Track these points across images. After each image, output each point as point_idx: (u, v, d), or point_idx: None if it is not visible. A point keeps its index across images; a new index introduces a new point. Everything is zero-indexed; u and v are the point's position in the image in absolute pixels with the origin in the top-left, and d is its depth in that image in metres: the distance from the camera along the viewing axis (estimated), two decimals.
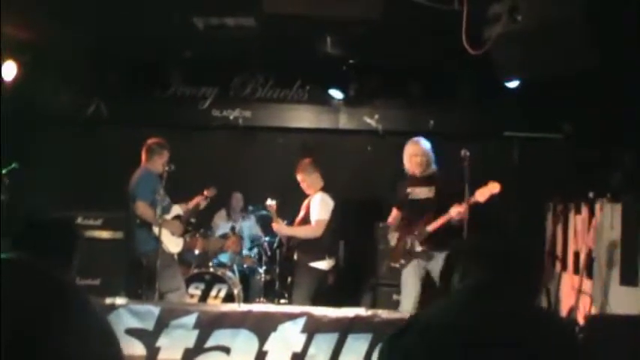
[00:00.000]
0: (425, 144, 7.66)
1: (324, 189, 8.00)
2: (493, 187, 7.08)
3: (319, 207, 7.86)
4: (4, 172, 8.69)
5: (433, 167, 7.63)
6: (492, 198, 7.11)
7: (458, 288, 2.88)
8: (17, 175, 8.75)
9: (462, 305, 2.78)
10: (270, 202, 8.28)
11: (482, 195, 7.09)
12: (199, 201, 8.48)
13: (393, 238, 7.73)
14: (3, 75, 9.18)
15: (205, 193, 8.74)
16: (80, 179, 10.32)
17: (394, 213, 7.84)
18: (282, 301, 9.18)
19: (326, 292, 7.96)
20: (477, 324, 2.66)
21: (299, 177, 8.07)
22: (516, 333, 2.65)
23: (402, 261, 7.54)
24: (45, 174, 9.99)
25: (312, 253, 7.81)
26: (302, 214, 8.04)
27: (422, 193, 7.55)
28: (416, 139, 7.73)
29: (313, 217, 7.83)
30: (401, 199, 7.74)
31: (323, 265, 7.82)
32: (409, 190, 7.63)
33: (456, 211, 7.13)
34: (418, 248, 7.44)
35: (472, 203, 7.12)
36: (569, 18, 5.60)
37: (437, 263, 7.33)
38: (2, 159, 8.66)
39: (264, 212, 9.40)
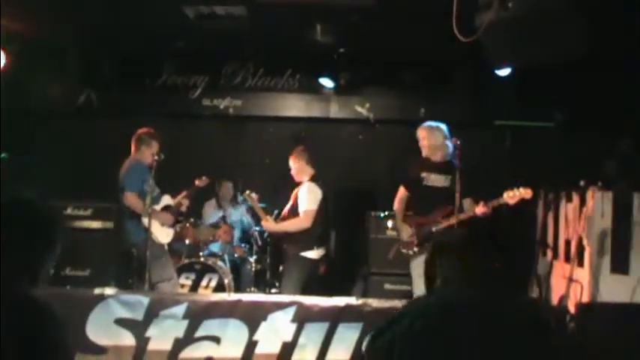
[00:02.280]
0: (432, 130, 7.48)
1: (314, 178, 7.95)
2: (525, 192, 6.93)
3: (307, 197, 7.81)
4: None
5: (449, 155, 7.40)
6: (521, 202, 7.03)
7: (439, 285, 2.90)
8: (7, 165, 8.71)
9: (442, 303, 2.79)
10: (250, 193, 8.27)
11: (511, 198, 6.95)
12: (180, 200, 8.42)
13: (402, 226, 7.53)
14: None
15: (197, 183, 8.72)
16: (71, 169, 10.27)
17: (401, 192, 7.64)
18: (273, 290, 9.17)
19: (317, 281, 7.93)
20: (459, 321, 2.67)
21: (290, 163, 8.02)
22: (499, 329, 2.65)
23: (416, 249, 7.38)
24: (35, 164, 9.94)
25: (301, 242, 7.77)
26: (291, 203, 7.99)
27: (437, 180, 7.36)
28: (426, 124, 7.58)
29: (301, 208, 7.78)
30: (412, 181, 7.54)
31: (312, 254, 7.78)
32: (424, 174, 7.41)
33: (480, 211, 6.99)
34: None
35: (499, 204, 7.01)
36: (561, 4, 5.57)
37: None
38: None
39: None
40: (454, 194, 7.01)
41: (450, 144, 7.39)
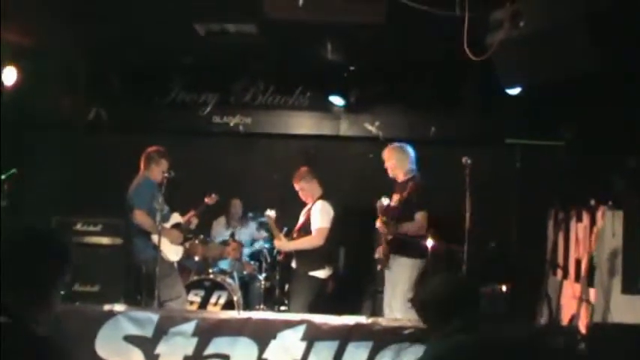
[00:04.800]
0: (393, 151, 7.75)
1: (324, 196, 7.94)
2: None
3: (320, 216, 7.80)
4: (3, 177, 8.66)
5: (407, 174, 7.64)
6: None
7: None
8: (17, 180, 8.72)
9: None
10: (269, 213, 8.25)
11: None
12: (190, 218, 8.43)
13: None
14: (3, 80, 9.16)
15: (207, 200, 8.72)
16: (80, 185, 10.29)
17: None
18: (282, 308, 9.13)
19: (325, 299, 7.91)
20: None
21: (297, 186, 8.02)
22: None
23: (379, 265, 7.75)
24: (45, 180, 9.95)
25: (312, 262, 7.76)
26: (302, 220, 7.99)
27: (393, 199, 7.59)
28: (389, 145, 7.85)
29: (314, 226, 7.77)
30: None
31: (321, 273, 7.78)
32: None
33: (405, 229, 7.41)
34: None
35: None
36: (571, 24, 5.57)
37: (393, 269, 7.49)
38: (2, 165, 8.64)
39: (263, 219, 9.38)
40: (403, 210, 7.37)
41: (411, 164, 7.66)
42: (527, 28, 5.73)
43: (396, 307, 7.34)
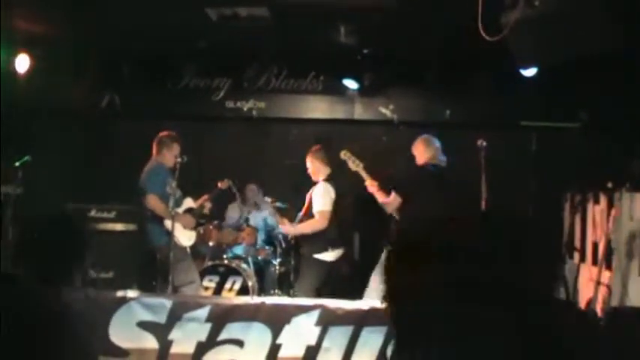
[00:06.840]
0: (416, 143, 7.89)
1: (330, 177, 7.90)
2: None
3: (320, 198, 7.77)
4: (17, 164, 8.67)
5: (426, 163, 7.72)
6: None
7: None
8: (31, 167, 8.73)
9: None
10: (269, 199, 8.29)
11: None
12: (203, 202, 8.39)
13: None
14: (17, 68, 9.17)
15: (220, 185, 8.69)
16: (94, 172, 10.29)
17: None
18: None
19: (335, 283, 7.88)
20: None
21: (308, 162, 8.00)
22: None
23: None
24: (58, 166, 9.95)
25: (314, 244, 7.73)
26: (306, 205, 7.97)
27: None
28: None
29: (315, 209, 7.74)
30: None
31: (327, 256, 7.72)
32: None
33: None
34: None
35: None
36: (588, 2, 5.48)
37: None
38: (16, 152, 8.66)
39: (278, 204, 9.34)
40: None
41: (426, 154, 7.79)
42: (543, 7, 5.64)
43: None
